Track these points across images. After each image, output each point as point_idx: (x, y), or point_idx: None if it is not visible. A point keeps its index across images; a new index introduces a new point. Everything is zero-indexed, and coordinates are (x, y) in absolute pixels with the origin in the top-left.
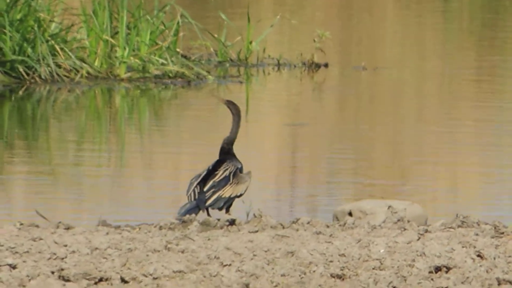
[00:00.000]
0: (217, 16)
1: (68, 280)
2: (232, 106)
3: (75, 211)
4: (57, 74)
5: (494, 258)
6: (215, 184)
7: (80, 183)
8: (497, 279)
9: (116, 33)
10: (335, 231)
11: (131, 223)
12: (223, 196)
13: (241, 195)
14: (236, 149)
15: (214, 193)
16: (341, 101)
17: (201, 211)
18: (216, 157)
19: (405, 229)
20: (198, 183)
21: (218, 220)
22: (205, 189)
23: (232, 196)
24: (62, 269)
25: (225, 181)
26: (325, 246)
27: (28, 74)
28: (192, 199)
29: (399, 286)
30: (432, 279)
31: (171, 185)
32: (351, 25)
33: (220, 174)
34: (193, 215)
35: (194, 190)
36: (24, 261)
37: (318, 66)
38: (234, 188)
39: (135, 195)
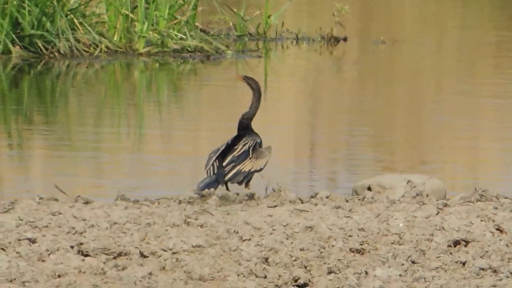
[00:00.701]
0: None
1: (87, 255)
2: (251, 81)
3: (94, 186)
4: (76, 49)
5: None
6: (235, 158)
7: (99, 158)
8: None
9: (135, 7)
10: (354, 205)
11: (150, 198)
12: (242, 171)
13: (260, 169)
14: (255, 123)
15: (233, 167)
16: (360, 75)
17: (220, 186)
18: (235, 131)
19: (424, 204)
20: (217, 158)
21: (237, 194)
22: (224, 164)
23: (251, 170)
24: (81, 244)
25: (245, 155)
26: (344, 220)
27: (47, 49)
28: (211, 173)
29: (418, 260)
30: (451, 253)
31: (190, 159)
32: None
33: (239, 149)
34: (212, 189)
35: (213, 165)
36: (43, 235)
37: (337, 40)
38: (254, 162)
39: (154, 169)
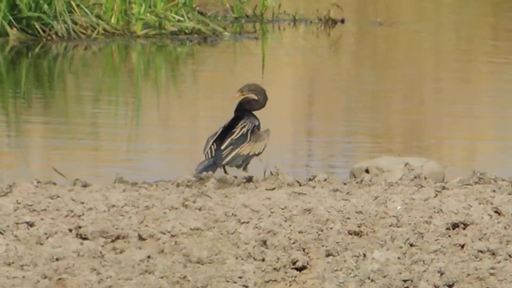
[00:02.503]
0: None
1: (85, 238)
2: (253, 91)
3: (93, 169)
4: (74, 31)
5: None
6: (233, 141)
7: (98, 140)
8: None
9: None
10: (352, 188)
11: (148, 181)
12: (241, 154)
13: (259, 153)
14: None
15: (232, 150)
16: (358, 57)
17: (218, 169)
18: (232, 115)
19: (422, 186)
20: (215, 141)
21: (235, 177)
22: (222, 147)
23: (250, 154)
24: (80, 227)
25: (243, 138)
26: (342, 203)
27: (44, 31)
28: (209, 156)
29: (416, 242)
30: (449, 236)
31: (188, 142)
32: None
33: (237, 132)
34: (210, 172)
35: (211, 148)
36: (41, 219)
37: (334, 21)
38: (252, 146)
39: (152, 153)
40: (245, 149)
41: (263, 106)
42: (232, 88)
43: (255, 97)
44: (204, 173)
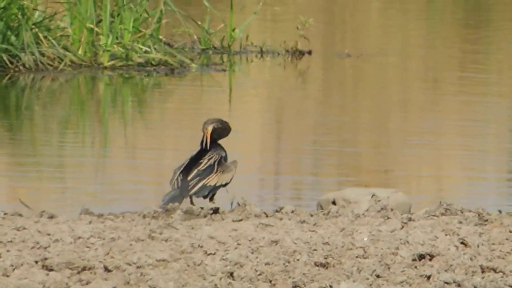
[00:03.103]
0: (200, 3)
1: (51, 269)
2: (217, 129)
3: (59, 200)
4: (41, 63)
5: (478, 246)
6: (200, 172)
7: (64, 172)
8: (481, 266)
9: (100, 21)
10: (319, 219)
11: (114, 212)
12: (208, 185)
13: (226, 184)
14: None
15: (199, 181)
16: (325, 89)
17: (184, 200)
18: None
19: (388, 218)
20: (181, 172)
21: (202, 208)
22: (189, 178)
23: (217, 185)
24: (46, 258)
25: (210, 169)
26: (309, 234)
27: (12, 63)
28: (176, 187)
29: (383, 274)
30: (415, 267)
31: (155, 174)
32: (334, 12)
33: (204, 163)
34: (177, 203)
35: (177, 179)
36: (7, 251)
37: (301, 53)
38: (220, 177)
39: (118, 183)
40: (212, 180)
41: (230, 130)
42: (199, 120)
43: (220, 125)
44: (171, 204)
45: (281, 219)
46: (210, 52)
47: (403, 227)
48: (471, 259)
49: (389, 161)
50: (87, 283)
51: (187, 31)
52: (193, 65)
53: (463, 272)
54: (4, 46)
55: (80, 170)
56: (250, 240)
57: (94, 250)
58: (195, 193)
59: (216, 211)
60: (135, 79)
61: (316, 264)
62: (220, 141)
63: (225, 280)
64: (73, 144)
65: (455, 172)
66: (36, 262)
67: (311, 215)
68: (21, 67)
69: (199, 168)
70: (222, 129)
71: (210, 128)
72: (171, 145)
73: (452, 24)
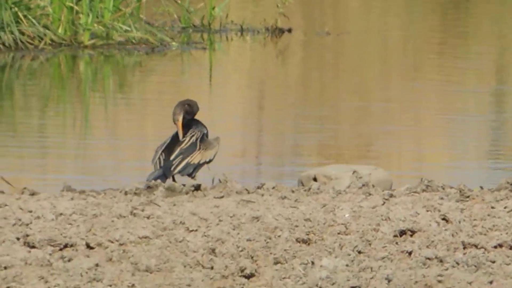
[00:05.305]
0: None
1: (33, 246)
2: (188, 111)
3: (40, 178)
4: (21, 41)
5: (459, 222)
6: (183, 151)
7: (45, 149)
8: (462, 242)
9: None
10: (300, 196)
11: (96, 188)
12: (192, 163)
13: (210, 161)
14: (201, 114)
15: (182, 159)
16: (305, 67)
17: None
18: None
19: (370, 194)
20: (163, 151)
21: (184, 185)
22: (172, 157)
23: (201, 162)
24: (27, 235)
25: (193, 147)
26: (290, 211)
27: None
28: (158, 167)
29: (364, 250)
30: (397, 243)
31: (136, 151)
32: None
33: (187, 141)
34: (159, 181)
35: (159, 158)
36: None
37: (281, 31)
38: (203, 154)
39: (100, 160)
40: (195, 157)
41: (196, 103)
42: (180, 98)
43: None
44: (153, 181)
45: (262, 195)
46: (190, 30)
47: (384, 203)
48: (452, 235)
49: (370, 138)
50: (69, 260)
51: (167, 10)
52: (174, 43)
53: (444, 248)
54: None
55: (61, 147)
56: (231, 217)
57: (76, 227)
58: (179, 172)
59: (198, 188)
60: (116, 58)
61: (297, 240)
62: (202, 120)
63: (206, 256)
64: (55, 122)
65: (436, 149)
66: (18, 239)
67: (293, 191)
68: (1, 46)
69: (181, 146)
70: (190, 108)
71: (180, 118)
72: (152, 124)
73: (432, 2)
